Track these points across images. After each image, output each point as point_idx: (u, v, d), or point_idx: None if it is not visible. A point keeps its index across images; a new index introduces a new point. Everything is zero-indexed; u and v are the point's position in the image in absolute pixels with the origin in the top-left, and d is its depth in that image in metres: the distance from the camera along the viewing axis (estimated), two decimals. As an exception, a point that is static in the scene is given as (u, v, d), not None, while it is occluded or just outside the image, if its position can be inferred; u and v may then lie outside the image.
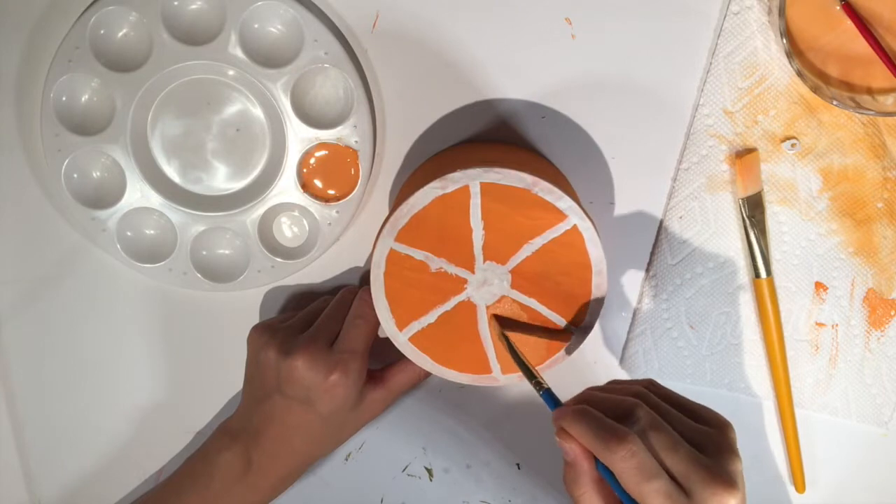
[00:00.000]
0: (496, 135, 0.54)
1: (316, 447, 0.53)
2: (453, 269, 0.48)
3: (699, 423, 0.41)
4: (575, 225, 0.47)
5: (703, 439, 0.40)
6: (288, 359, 0.50)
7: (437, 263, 0.48)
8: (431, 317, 0.49)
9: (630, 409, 0.41)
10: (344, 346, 0.50)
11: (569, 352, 0.49)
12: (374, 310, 0.49)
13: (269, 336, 0.52)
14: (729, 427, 0.41)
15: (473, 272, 0.48)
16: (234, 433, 0.53)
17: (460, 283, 0.48)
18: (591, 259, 0.47)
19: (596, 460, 0.40)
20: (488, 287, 0.48)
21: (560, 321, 0.49)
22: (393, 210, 0.48)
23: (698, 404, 0.43)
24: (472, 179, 0.46)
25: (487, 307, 0.49)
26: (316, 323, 0.52)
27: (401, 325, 0.49)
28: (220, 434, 0.54)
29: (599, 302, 0.48)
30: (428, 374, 0.53)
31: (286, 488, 0.54)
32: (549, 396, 0.43)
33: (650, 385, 0.44)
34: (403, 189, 0.52)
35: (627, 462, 0.38)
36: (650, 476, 0.38)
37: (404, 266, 0.48)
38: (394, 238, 0.47)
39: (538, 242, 0.47)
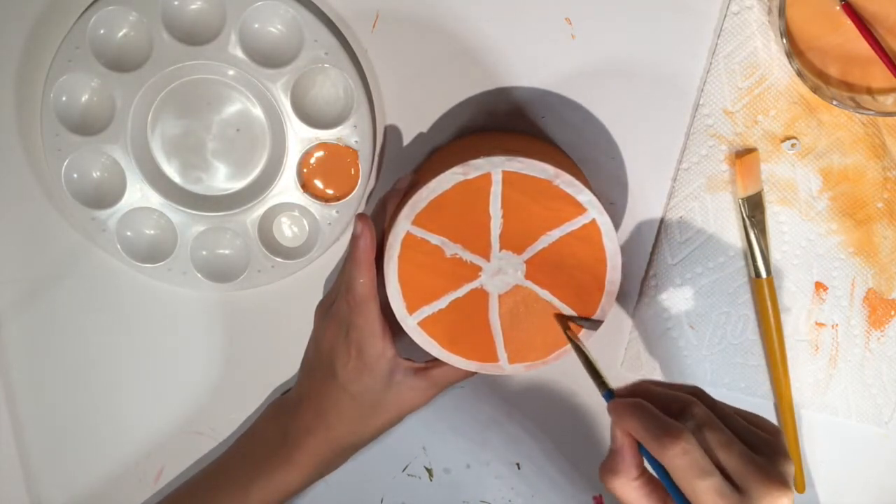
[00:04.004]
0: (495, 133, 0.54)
1: (349, 428, 0.52)
2: (468, 256, 0.48)
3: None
4: (594, 219, 0.47)
5: (757, 440, 0.40)
6: (317, 333, 0.51)
7: (452, 249, 0.48)
8: (443, 302, 0.49)
9: (685, 405, 0.41)
10: (356, 334, 0.49)
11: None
12: (365, 292, 0.49)
13: (321, 308, 0.53)
14: (781, 432, 0.42)
15: (489, 260, 0.48)
16: (281, 406, 0.54)
17: (475, 271, 0.48)
18: (606, 254, 0.48)
19: (645, 454, 0.40)
20: (502, 276, 0.48)
21: (571, 314, 0.49)
22: (411, 193, 0.48)
23: (748, 411, 0.43)
24: (495, 167, 0.46)
25: (500, 296, 0.49)
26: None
27: (411, 308, 0.49)
28: (269, 406, 0.55)
29: (611, 297, 0.48)
30: (474, 373, 0.52)
31: (322, 471, 0.53)
32: (610, 394, 0.43)
33: (701, 391, 0.44)
34: (421, 173, 0.52)
35: (681, 459, 0.38)
36: (703, 473, 0.38)
37: (419, 250, 0.48)
38: (411, 221, 0.47)
39: (555, 234, 0.47)
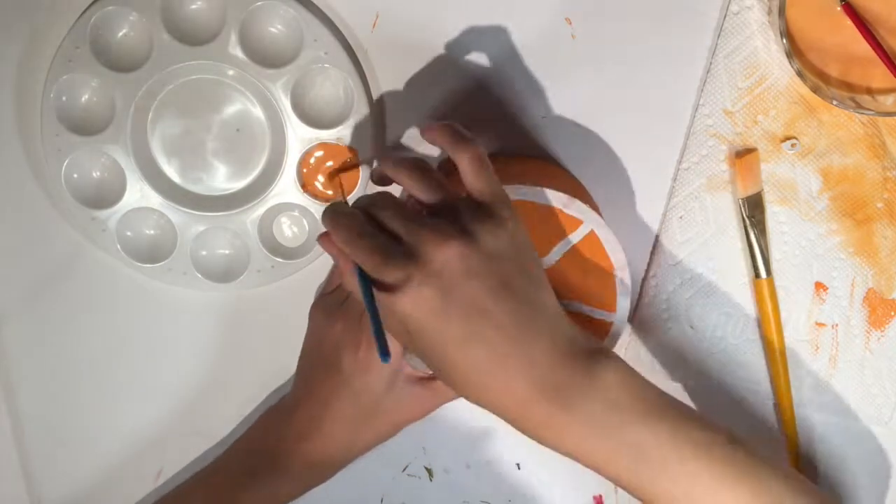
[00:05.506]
0: (496, 134, 0.54)
1: (346, 433, 0.51)
2: None
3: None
4: (592, 230, 0.48)
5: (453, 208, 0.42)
6: (321, 329, 0.51)
7: None
8: None
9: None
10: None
11: (611, 343, 0.50)
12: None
13: (321, 306, 0.53)
14: (499, 200, 0.42)
15: None
16: (276, 411, 0.54)
17: None
18: (611, 259, 0.48)
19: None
20: None
21: (597, 313, 0.49)
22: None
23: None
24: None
25: None
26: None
27: None
28: (265, 412, 0.55)
29: (627, 290, 0.49)
30: None
31: (312, 482, 0.53)
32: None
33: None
34: None
35: (338, 235, 0.41)
36: (358, 236, 0.40)
37: None
38: None
39: (557, 251, 0.48)
